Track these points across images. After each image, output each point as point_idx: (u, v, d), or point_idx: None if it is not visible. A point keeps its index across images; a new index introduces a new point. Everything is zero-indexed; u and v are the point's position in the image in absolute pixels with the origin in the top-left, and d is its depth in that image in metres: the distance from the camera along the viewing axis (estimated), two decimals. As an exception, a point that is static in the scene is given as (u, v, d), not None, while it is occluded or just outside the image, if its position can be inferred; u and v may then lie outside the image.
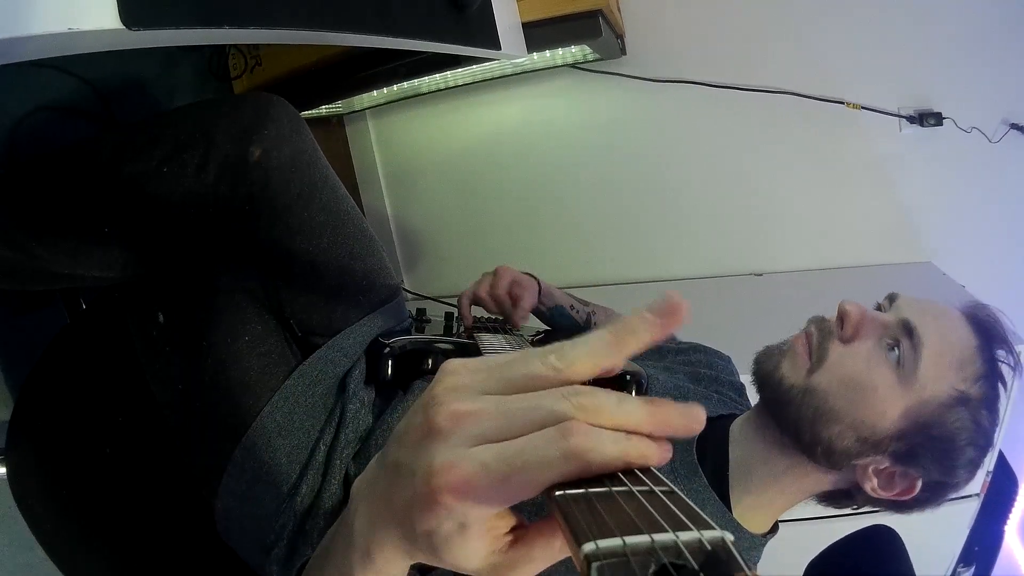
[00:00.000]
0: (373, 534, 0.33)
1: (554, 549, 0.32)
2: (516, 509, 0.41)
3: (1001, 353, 0.66)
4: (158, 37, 0.49)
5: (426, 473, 0.28)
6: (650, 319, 0.31)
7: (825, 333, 0.68)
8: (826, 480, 0.68)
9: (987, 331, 0.66)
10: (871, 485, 0.65)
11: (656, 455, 0.29)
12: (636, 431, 0.29)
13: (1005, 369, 0.67)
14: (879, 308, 0.71)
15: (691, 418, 0.30)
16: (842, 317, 0.67)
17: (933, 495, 0.66)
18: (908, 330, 0.64)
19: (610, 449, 0.28)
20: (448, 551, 0.30)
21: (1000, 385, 0.66)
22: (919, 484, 0.64)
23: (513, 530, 0.33)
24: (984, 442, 0.64)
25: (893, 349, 0.64)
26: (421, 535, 0.30)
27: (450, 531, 0.30)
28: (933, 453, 0.62)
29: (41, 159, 0.78)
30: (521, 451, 0.28)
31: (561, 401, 0.29)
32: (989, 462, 1.28)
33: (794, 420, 0.65)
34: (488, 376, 0.31)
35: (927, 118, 1.58)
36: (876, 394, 0.63)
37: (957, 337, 0.65)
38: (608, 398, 0.29)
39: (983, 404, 0.63)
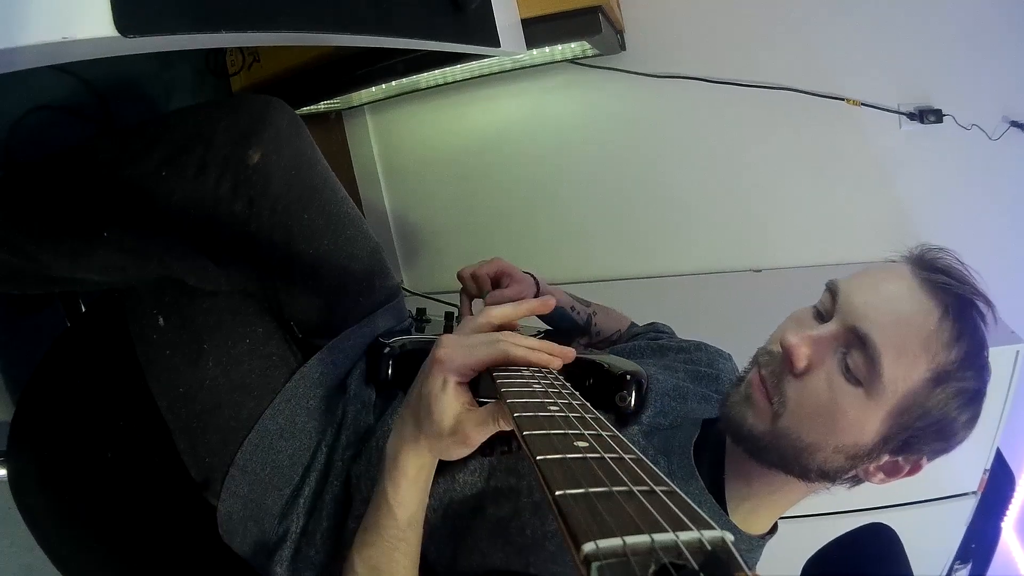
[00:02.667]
0: (398, 434, 0.56)
1: (492, 412, 0.51)
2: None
3: (975, 308, 0.60)
4: (154, 43, 0.48)
5: (431, 356, 0.54)
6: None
7: (777, 373, 0.63)
8: (829, 484, 0.67)
9: (944, 289, 0.60)
10: (878, 478, 0.63)
11: (553, 360, 0.55)
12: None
13: (979, 311, 0.61)
14: (819, 311, 0.66)
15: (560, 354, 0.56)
16: (788, 353, 0.62)
17: (942, 454, 0.63)
18: (860, 339, 0.59)
19: (520, 351, 0.53)
20: (435, 405, 0.52)
21: (981, 323, 0.60)
22: (924, 461, 0.62)
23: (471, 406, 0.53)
24: (976, 396, 0.60)
25: (849, 364, 0.60)
26: (424, 398, 0.53)
27: (439, 386, 0.52)
28: (928, 435, 0.60)
29: (39, 163, 0.78)
30: (476, 342, 0.54)
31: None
32: (987, 460, 1.28)
33: (777, 460, 0.63)
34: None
35: (927, 115, 1.58)
36: (847, 417, 0.59)
37: (914, 316, 0.59)
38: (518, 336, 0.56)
39: (963, 366, 0.59)
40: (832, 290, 0.65)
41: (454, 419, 0.52)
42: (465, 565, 0.67)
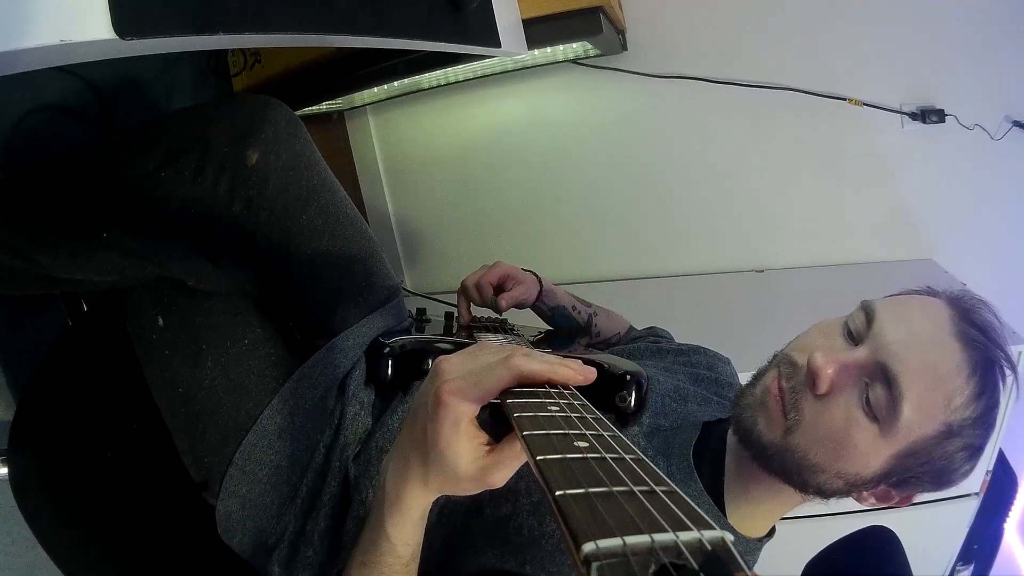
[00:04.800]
0: (399, 475, 0.49)
1: (516, 451, 0.45)
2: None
3: (999, 367, 0.61)
4: (152, 45, 0.48)
5: (436, 391, 0.44)
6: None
7: (798, 387, 0.63)
8: (824, 500, 0.67)
9: (981, 348, 0.60)
10: (868, 502, 0.65)
11: (575, 376, 0.47)
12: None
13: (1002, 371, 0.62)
14: (849, 329, 0.65)
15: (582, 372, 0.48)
16: (813, 374, 0.61)
17: (934, 492, 0.65)
18: (886, 378, 0.59)
19: (537, 366, 0.45)
20: (448, 449, 0.44)
21: (1000, 383, 0.61)
22: (915, 495, 0.64)
23: (489, 447, 0.46)
24: (979, 451, 0.61)
25: (870, 397, 0.60)
26: (432, 443, 0.45)
27: (450, 428, 0.44)
28: (926, 478, 0.62)
29: (38, 165, 0.78)
30: (483, 367, 0.45)
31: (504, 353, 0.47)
32: (989, 461, 1.28)
33: (779, 470, 0.64)
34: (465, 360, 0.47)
35: (929, 115, 1.57)
36: (857, 449, 0.60)
37: (944, 369, 0.59)
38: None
39: (976, 424, 0.60)
40: (868, 313, 0.64)
41: (473, 464, 0.45)
42: (459, 565, 0.67)
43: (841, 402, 0.61)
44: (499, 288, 0.98)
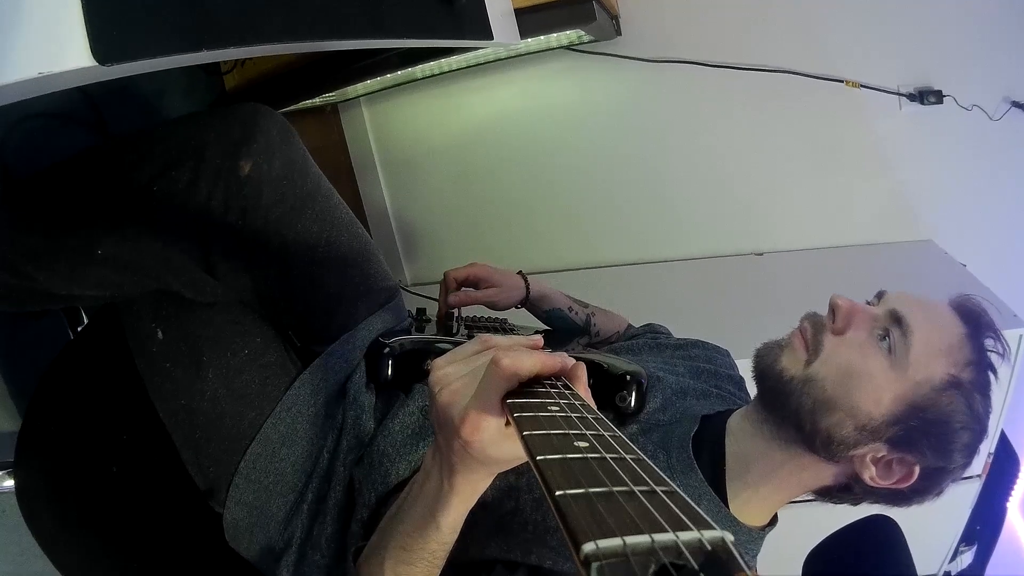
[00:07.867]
0: (448, 474, 0.50)
1: None
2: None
3: (989, 342, 0.67)
4: (136, 67, 0.47)
5: (457, 432, 0.44)
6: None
7: (819, 326, 0.70)
8: (824, 473, 0.68)
9: (975, 319, 0.68)
10: (869, 474, 0.65)
11: (563, 363, 0.46)
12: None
13: (994, 357, 0.67)
14: (869, 305, 0.72)
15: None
16: (833, 310, 0.69)
17: (931, 482, 0.66)
18: (897, 319, 0.66)
19: (527, 361, 0.44)
20: (495, 456, 0.45)
21: (991, 373, 0.66)
22: (917, 470, 0.64)
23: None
24: (978, 427, 0.64)
25: (884, 339, 0.66)
26: (477, 462, 0.47)
27: (485, 450, 0.45)
28: (929, 437, 0.63)
29: (32, 179, 0.78)
30: (484, 386, 0.44)
31: (490, 352, 0.47)
32: (990, 444, 1.28)
33: (794, 411, 0.66)
34: (458, 364, 0.48)
35: (927, 96, 1.56)
36: (871, 380, 0.64)
37: (945, 324, 0.67)
38: (505, 338, 0.49)
39: (975, 388, 0.64)
40: (879, 294, 0.73)
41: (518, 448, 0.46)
42: (462, 554, 0.67)
43: (857, 340, 0.68)
44: (475, 287, 1.00)
